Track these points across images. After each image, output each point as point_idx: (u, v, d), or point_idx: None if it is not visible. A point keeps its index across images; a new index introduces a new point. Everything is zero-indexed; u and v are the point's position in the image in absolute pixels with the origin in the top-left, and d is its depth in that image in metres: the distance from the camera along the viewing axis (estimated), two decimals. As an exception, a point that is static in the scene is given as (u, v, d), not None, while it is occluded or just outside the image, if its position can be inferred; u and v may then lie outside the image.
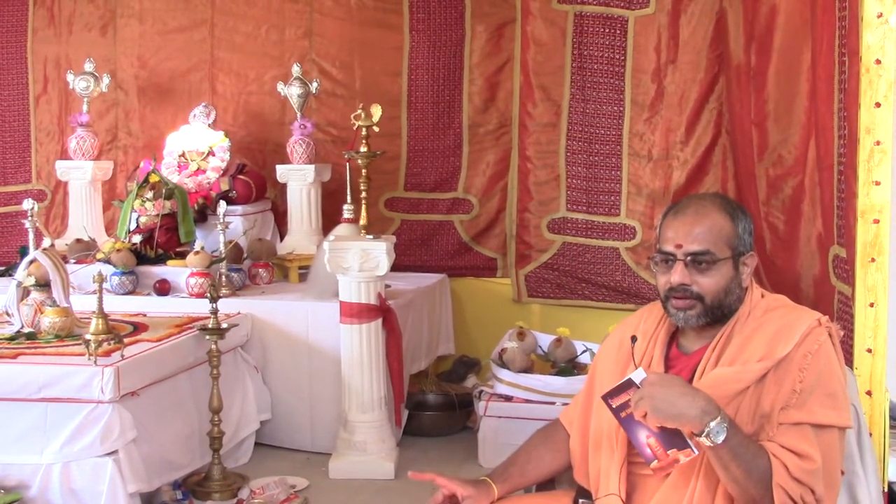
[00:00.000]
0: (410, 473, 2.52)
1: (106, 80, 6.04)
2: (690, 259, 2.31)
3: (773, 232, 4.69)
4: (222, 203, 5.26)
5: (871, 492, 2.30)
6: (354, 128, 4.82)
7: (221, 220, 5.20)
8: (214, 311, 4.41)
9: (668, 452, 2.20)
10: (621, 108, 5.56)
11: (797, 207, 4.45)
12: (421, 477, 2.46)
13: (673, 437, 2.19)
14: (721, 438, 2.09)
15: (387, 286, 4.96)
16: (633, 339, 2.44)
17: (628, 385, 2.25)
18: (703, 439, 2.11)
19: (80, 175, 6.01)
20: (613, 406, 2.28)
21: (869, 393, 3.40)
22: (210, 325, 4.40)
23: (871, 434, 2.86)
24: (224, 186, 5.75)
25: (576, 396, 2.70)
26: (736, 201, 2.50)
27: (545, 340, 5.18)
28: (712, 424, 2.09)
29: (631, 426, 2.26)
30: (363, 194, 4.82)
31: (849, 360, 3.39)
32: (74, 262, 5.36)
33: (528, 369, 4.92)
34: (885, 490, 3.36)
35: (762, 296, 2.40)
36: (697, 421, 2.10)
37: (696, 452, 2.17)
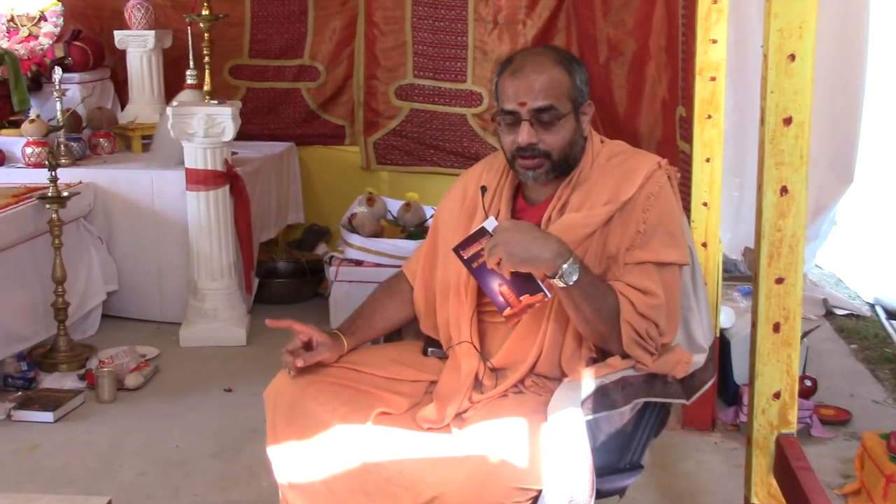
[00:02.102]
0: (268, 321, 2.52)
1: (-77, -64, 5.67)
2: (535, 117, 2.33)
3: (614, 93, 4.79)
4: (58, 70, 5.04)
5: (703, 324, 2.42)
6: (195, -10, 4.67)
7: (57, 88, 4.99)
8: (54, 180, 4.28)
9: (521, 298, 2.23)
10: (467, -27, 5.53)
11: (641, 70, 4.56)
12: (278, 324, 2.47)
13: (525, 284, 2.22)
14: (573, 279, 2.15)
15: (233, 153, 4.89)
16: (483, 189, 2.46)
17: (480, 234, 2.25)
18: (556, 281, 2.16)
19: None
20: (465, 257, 2.28)
21: (704, 245, 3.57)
22: (49, 194, 4.27)
23: (705, 284, 2.99)
24: (59, 53, 5.55)
25: (417, 249, 2.72)
26: (569, 52, 2.51)
27: (395, 206, 5.22)
28: (565, 266, 2.15)
29: (483, 276, 2.27)
30: (206, 59, 4.70)
31: (687, 215, 3.54)
32: None
33: (377, 234, 4.95)
34: (717, 336, 3.57)
35: (602, 142, 2.45)
36: (551, 263, 2.15)
37: (549, 296, 2.21)
